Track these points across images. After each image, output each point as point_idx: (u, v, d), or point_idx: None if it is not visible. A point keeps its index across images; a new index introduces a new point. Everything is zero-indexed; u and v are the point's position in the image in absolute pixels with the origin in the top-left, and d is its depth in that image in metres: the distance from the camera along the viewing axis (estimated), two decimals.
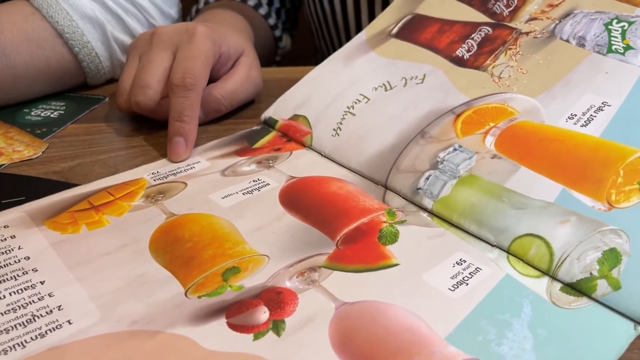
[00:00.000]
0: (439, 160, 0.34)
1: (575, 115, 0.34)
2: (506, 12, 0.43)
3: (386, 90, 0.41)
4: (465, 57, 0.41)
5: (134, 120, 0.44)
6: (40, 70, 0.46)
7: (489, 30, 0.42)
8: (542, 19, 0.41)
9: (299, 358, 0.23)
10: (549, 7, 0.41)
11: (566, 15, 0.40)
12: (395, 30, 0.46)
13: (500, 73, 0.39)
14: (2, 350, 0.23)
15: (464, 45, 0.42)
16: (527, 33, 0.41)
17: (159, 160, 0.39)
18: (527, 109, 0.36)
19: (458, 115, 0.37)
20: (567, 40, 0.39)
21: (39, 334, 0.24)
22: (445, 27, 0.44)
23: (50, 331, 0.24)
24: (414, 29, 0.45)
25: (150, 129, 0.43)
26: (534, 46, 0.39)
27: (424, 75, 0.41)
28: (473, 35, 0.43)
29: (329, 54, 0.49)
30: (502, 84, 0.38)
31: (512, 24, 0.42)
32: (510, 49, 0.40)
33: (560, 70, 0.37)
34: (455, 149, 0.35)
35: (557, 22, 0.40)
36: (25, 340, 0.24)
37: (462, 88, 0.39)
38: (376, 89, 0.41)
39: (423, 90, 0.40)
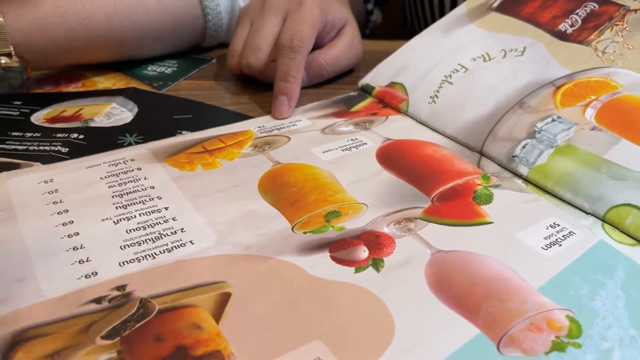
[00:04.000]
0: (537, 130, 0.35)
1: None
2: None
3: (485, 61, 0.42)
4: (568, 31, 0.41)
5: (241, 80, 0.47)
6: (169, 29, 0.50)
7: (595, 6, 0.42)
8: None
9: (398, 292, 0.25)
10: None
11: None
12: (496, 4, 0.47)
13: (605, 48, 0.39)
14: (136, 258, 0.27)
15: (567, 20, 0.42)
16: (635, 10, 0.40)
17: (264, 116, 0.42)
18: (631, 83, 0.36)
19: (558, 88, 0.37)
20: None
21: (166, 249, 0.28)
22: (549, 3, 0.44)
23: (175, 248, 0.28)
24: (516, 3, 0.46)
25: (256, 89, 0.46)
26: None
27: (524, 47, 0.41)
28: (577, 11, 0.42)
29: (420, 30, 0.50)
30: (606, 58, 0.38)
31: (619, 1, 0.42)
32: (616, 25, 0.40)
33: None
34: (553, 120, 0.35)
35: None
36: (155, 253, 0.27)
37: (563, 61, 0.39)
38: (475, 59, 0.42)
39: (523, 62, 0.40)
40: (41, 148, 0.37)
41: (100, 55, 0.49)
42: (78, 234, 0.29)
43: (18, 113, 0.42)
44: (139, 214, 0.30)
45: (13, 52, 0.42)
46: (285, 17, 0.45)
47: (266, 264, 0.27)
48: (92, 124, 0.41)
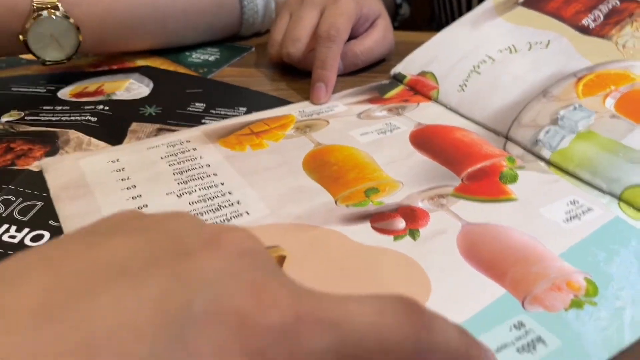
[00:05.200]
0: (559, 117, 0.38)
1: None
2: None
3: (511, 53, 0.44)
4: (590, 26, 0.44)
5: (280, 68, 0.51)
6: (215, 25, 0.54)
7: (617, 3, 0.45)
8: None
9: (433, 257, 0.28)
10: None
11: None
12: None
13: (625, 42, 0.41)
14: None
15: (590, 15, 0.45)
16: None
17: (303, 102, 0.45)
18: None
19: (580, 79, 0.40)
20: None
21: (225, 219, 0.31)
22: None
23: (234, 217, 0.31)
24: None
25: (295, 76, 0.49)
26: None
27: (549, 41, 0.44)
28: (600, 7, 0.45)
29: (447, 23, 0.52)
30: (626, 52, 0.40)
31: None
32: (637, 21, 0.42)
33: None
34: (575, 108, 0.38)
35: None
36: (216, 222, 0.31)
37: (586, 54, 0.42)
38: (501, 51, 0.45)
39: (547, 54, 0.43)
40: (72, 118, 0.42)
41: (144, 38, 0.52)
42: (147, 206, 0.32)
43: (45, 90, 0.48)
44: (199, 189, 0.34)
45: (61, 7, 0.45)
46: (323, 11, 0.48)
47: (314, 231, 0.30)
48: (114, 98, 0.46)
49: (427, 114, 0.43)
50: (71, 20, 0.46)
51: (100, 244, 0.16)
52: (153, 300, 0.14)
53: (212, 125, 0.41)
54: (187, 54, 0.54)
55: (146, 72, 0.51)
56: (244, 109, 0.44)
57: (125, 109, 0.44)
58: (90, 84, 0.49)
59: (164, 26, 0.52)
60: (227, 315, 0.15)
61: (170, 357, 0.14)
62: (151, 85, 0.48)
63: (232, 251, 0.16)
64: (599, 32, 0.43)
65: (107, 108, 0.44)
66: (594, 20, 0.44)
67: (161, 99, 0.46)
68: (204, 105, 0.45)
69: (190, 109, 0.44)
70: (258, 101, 0.45)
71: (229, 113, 0.43)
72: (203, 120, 0.42)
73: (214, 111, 0.44)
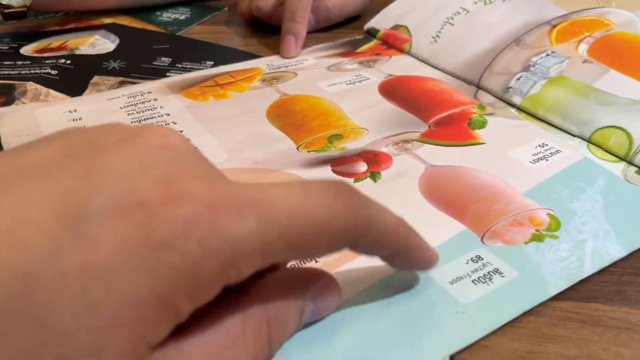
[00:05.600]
0: (531, 63, 0.37)
1: None
2: None
3: (485, 4, 0.43)
4: None
5: (251, 25, 0.49)
6: None
7: None
8: None
9: (392, 198, 0.27)
10: None
11: None
12: None
13: None
14: None
15: None
16: None
17: (272, 55, 0.44)
18: (623, 21, 0.37)
19: (554, 26, 0.39)
20: None
21: None
22: None
23: None
24: None
25: (266, 33, 0.48)
26: None
27: None
28: None
29: None
30: (607, 4, 0.39)
31: None
32: None
33: None
34: (547, 54, 0.37)
35: None
36: None
37: (560, 2, 0.40)
38: (476, 2, 0.44)
39: (521, 4, 0.42)
40: (32, 72, 0.41)
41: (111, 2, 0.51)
42: None
43: (7, 47, 0.46)
44: None
45: None
46: None
47: (273, 174, 0.29)
48: (77, 53, 0.45)
49: (398, 66, 0.42)
50: None
51: (24, 150, 0.16)
52: (56, 196, 0.14)
53: (176, 78, 0.40)
54: (158, 13, 0.52)
55: (113, 28, 0.50)
56: (211, 62, 0.42)
57: (87, 63, 0.43)
58: (54, 41, 0.47)
59: None
60: (131, 208, 0.14)
61: (67, 249, 0.13)
62: (117, 41, 0.47)
63: (147, 146, 0.15)
64: None
65: (69, 62, 0.43)
66: None
67: (126, 54, 0.45)
68: (170, 59, 0.43)
69: (156, 63, 0.43)
70: (226, 56, 0.44)
71: (195, 67, 0.42)
72: (168, 74, 0.41)
73: (179, 65, 0.42)
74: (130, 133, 0.16)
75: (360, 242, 0.17)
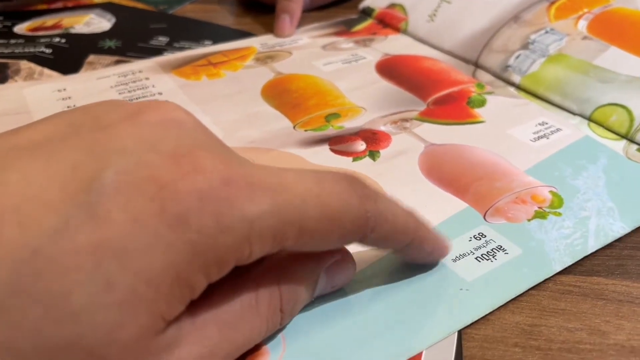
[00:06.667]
0: (530, 41, 0.36)
1: None
2: None
3: None
4: None
5: (245, 4, 0.48)
6: None
7: None
8: None
9: (392, 176, 0.27)
10: None
11: None
12: None
13: None
14: None
15: None
16: None
17: (266, 34, 0.43)
18: None
19: (552, 3, 0.38)
20: None
21: None
22: None
23: None
24: None
25: (259, 11, 0.47)
26: None
27: None
28: None
29: None
30: None
31: None
32: None
33: None
34: (546, 32, 0.36)
35: None
36: None
37: None
38: None
39: None
40: (26, 50, 0.40)
41: None
42: None
43: (1, 26, 0.45)
44: None
45: None
46: None
47: (270, 154, 0.29)
48: (72, 31, 0.44)
49: (395, 45, 0.41)
50: None
51: (24, 129, 0.15)
52: (63, 173, 0.13)
53: (168, 57, 0.39)
54: None
55: (108, 7, 0.48)
56: (210, 42, 0.41)
57: (83, 42, 0.42)
58: (49, 19, 0.46)
59: None
60: (143, 183, 0.13)
61: (80, 226, 0.13)
62: (113, 20, 0.46)
63: (154, 121, 0.15)
64: None
65: (63, 40, 0.42)
66: None
67: (123, 33, 0.44)
68: (168, 39, 0.42)
69: (153, 42, 0.42)
70: (221, 35, 0.43)
71: (193, 46, 0.41)
72: (165, 54, 0.40)
73: (177, 44, 0.41)
74: (134, 109, 0.16)
75: (370, 236, 0.17)
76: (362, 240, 0.17)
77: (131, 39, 0.42)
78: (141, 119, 0.15)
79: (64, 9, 0.48)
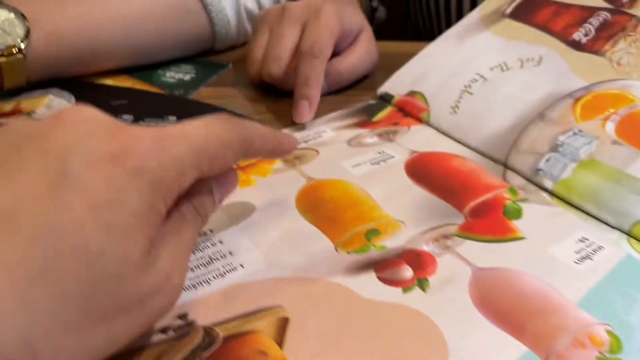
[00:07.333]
0: (559, 143, 0.36)
1: None
2: None
3: (502, 71, 0.43)
4: (582, 41, 0.43)
5: (260, 88, 0.48)
6: (181, 35, 0.51)
7: (607, 16, 0.43)
8: None
9: (446, 312, 0.26)
10: None
11: None
12: (509, 10, 0.48)
13: (619, 59, 0.40)
14: (192, 285, 0.28)
15: (581, 29, 0.43)
16: None
17: (286, 128, 0.42)
18: None
19: (577, 100, 0.39)
20: None
21: (218, 274, 0.29)
22: (562, 10, 0.45)
23: (228, 272, 0.29)
24: (529, 10, 0.47)
25: (276, 97, 0.46)
26: None
27: (540, 57, 0.43)
28: (590, 20, 0.44)
29: (423, 25, 0.51)
30: (621, 70, 0.39)
31: (631, 11, 0.43)
32: (629, 35, 0.41)
33: None
34: (575, 133, 0.36)
35: None
36: (209, 278, 0.28)
37: (580, 72, 0.40)
38: (492, 69, 0.43)
39: (540, 72, 0.42)
40: None
41: (110, 64, 0.50)
42: None
43: None
44: None
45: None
46: (304, 26, 0.45)
47: (316, 286, 0.28)
48: (35, 117, 0.43)
49: (419, 138, 0.41)
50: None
51: None
52: (36, 177, 0.18)
53: None
54: (160, 72, 0.50)
55: (64, 85, 0.47)
56: (174, 118, 0.41)
57: None
58: (5, 103, 0.45)
59: (132, 51, 0.49)
60: (104, 157, 0.19)
61: (70, 200, 0.18)
62: (72, 99, 0.45)
63: (75, 122, 0.20)
64: (592, 47, 0.42)
65: None
66: (586, 35, 0.43)
67: None
68: (132, 116, 0.42)
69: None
70: None
71: (159, 124, 0.40)
72: None
73: (143, 123, 0.41)
74: (51, 120, 0.20)
75: (249, 152, 0.26)
76: (245, 156, 0.26)
77: None
78: (65, 120, 0.20)
79: (16, 91, 0.46)
